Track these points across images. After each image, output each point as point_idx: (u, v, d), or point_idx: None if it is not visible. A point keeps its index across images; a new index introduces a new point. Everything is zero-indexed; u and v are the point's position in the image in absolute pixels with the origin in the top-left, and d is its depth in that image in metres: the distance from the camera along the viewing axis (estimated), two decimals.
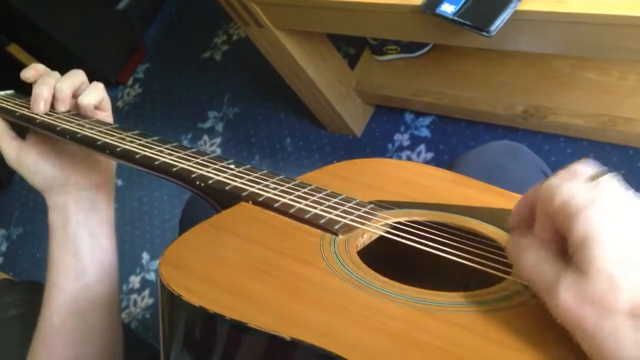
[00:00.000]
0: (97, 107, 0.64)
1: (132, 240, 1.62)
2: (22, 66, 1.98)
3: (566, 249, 0.28)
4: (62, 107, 0.60)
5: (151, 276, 1.54)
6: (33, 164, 0.60)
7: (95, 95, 0.61)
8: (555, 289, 0.27)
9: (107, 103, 0.65)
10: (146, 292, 1.52)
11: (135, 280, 1.55)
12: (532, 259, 0.29)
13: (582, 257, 0.26)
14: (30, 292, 0.76)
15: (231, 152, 1.59)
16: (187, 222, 0.76)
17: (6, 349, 0.68)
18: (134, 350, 0.65)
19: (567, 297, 0.26)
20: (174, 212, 1.60)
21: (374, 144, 1.37)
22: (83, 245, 0.61)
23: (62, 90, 0.59)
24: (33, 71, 0.62)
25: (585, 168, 0.30)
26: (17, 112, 0.60)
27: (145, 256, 1.58)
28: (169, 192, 1.65)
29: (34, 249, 1.83)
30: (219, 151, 1.62)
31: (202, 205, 0.72)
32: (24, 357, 0.58)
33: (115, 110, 1.96)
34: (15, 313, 0.72)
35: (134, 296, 1.53)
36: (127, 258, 1.58)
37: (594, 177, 0.29)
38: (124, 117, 1.92)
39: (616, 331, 0.25)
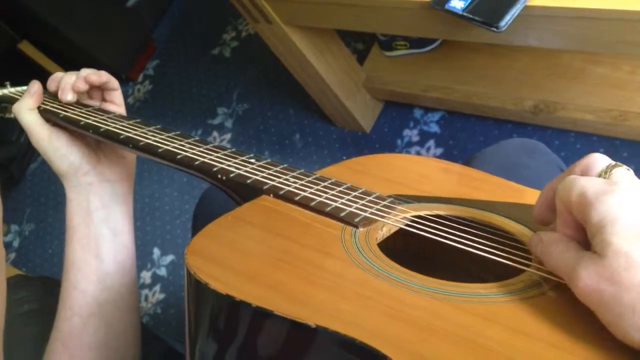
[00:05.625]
0: (106, 99, 0.66)
1: (142, 236, 1.63)
2: (34, 63, 1.97)
3: (588, 242, 0.30)
4: (81, 84, 0.62)
5: (162, 271, 1.55)
6: (64, 146, 0.60)
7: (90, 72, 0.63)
8: (576, 272, 0.29)
9: (118, 95, 0.66)
10: (157, 288, 1.54)
11: (146, 276, 1.56)
12: (557, 252, 0.32)
13: (600, 240, 0.29)
14: (44, 287, 0.77)
15: (241, 148, 1.58)
16: (201, 216, 0.77)
17: (22, 343, 0.68)
18: (146, 345, 0.66)
19: (587, 277, 0.29)
20: (184, 208, 1.61)
21: (383, 139, 1.37)
22: (106, 244, 0.60)
23: (80, 75, 0.62)
24: (54, 82, 0.64)
25: (595, 162, 0.33)
26: (40, 107, 0.62)
27: (156, 252, 1.59)
28: (180, 188, 1.66)
29: (46, 245, 1.84)
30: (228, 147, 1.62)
31: (216, 200, 0.72)
32: (40, 352, 0.58)
33: (126, 106, 1.97)
34: (30, 308, 0.73)
35: (145, 291, 1.54)
36: (138, 253, 1.57)
37: (605, 170, 0.32)
38: (134, 114, 1.92)
39: (634, 303, 0.27)
